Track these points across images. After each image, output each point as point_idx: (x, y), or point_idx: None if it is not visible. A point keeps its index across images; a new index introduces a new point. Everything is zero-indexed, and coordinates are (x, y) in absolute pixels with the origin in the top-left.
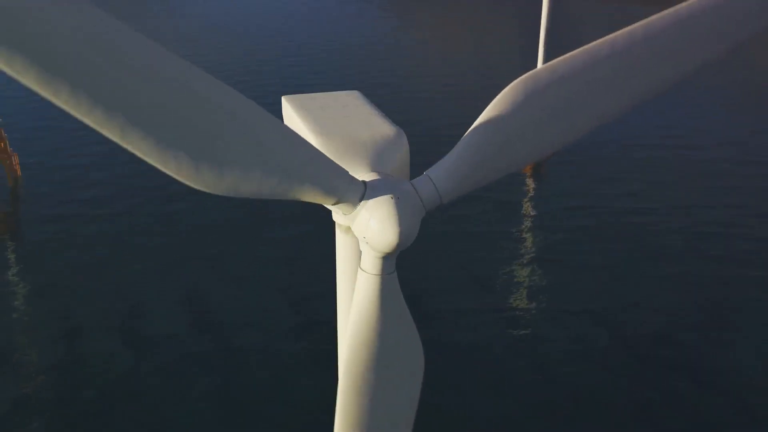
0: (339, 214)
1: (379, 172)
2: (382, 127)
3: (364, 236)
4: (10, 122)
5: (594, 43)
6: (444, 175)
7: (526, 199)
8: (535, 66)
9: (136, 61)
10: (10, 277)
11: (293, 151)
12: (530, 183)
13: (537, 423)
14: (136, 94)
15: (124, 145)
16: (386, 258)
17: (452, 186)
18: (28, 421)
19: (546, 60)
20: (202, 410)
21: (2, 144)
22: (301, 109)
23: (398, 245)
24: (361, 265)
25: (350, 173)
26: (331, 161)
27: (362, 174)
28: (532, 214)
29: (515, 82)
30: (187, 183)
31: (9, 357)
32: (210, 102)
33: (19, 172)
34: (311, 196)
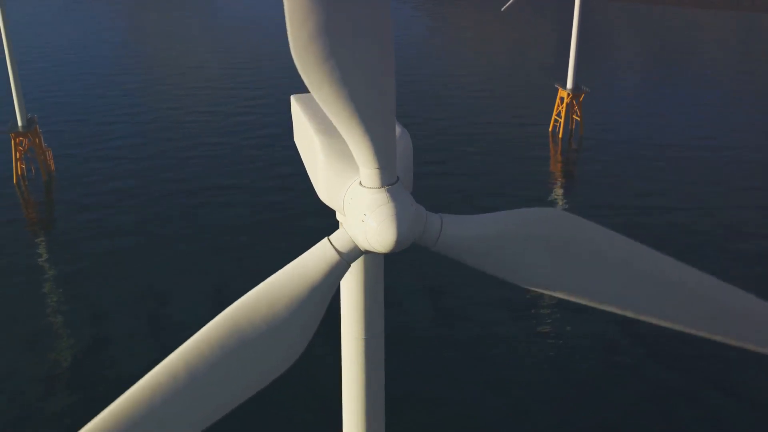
0: (342, 212)
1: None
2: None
3: (363, 217)
4: (44, 119)
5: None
6: (454, 227)
7: (555, 198)
8: (566, 70)
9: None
10: (43, 264)
11: (383, 102)
12: (560, 181)
13: (552, 418)
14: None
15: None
16: (358, 250)
17: (452, 242)
18: (55, 401)
19: (577, 61)
20: (238, 408)
21: (37, 140)
22: (308, 108)
23: (392, 248)
24: (331, 236)
25: (352, 172)
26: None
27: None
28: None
29: (567, 215)
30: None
31: (39, 339)
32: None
33: (52, 167)
34: (364, 145)
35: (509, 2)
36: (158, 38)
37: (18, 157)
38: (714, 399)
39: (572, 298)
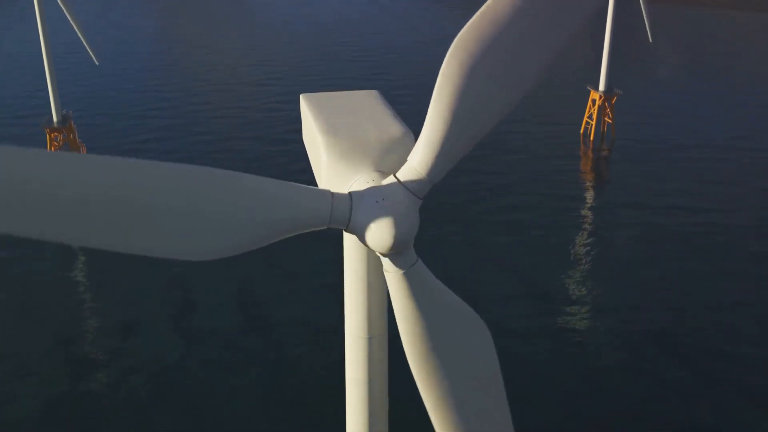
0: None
1: (381, 173)
2: (390, 128)
3: (367, 243)
4: (79, 115)
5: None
6: (423, 159)
7: (587, 206)
8: (598, 75)
9: (97, 181)
10: (75, 265)
11: (269, 196)
12: (590, 183)
13: (561, 413)
14: (112, 211)
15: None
16: (401, 254)
17: (435, 166)
18: (83, 403)
19: (610, 63)
20: (247, 401)
21: (71, 136)
22: (316, 107)
23: (398, 243)
24: (384, 268)
25: (354, 173)
26: (309, 188)
27: (366, 173)
28: (593, 221)
29: (456, 45)
30: (195, 259)
31: (68, 342)
32: (181, 188)
33: None
34: (302, 227)
35: (648, 29)
36: (192, 36)
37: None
38: (726, 398)
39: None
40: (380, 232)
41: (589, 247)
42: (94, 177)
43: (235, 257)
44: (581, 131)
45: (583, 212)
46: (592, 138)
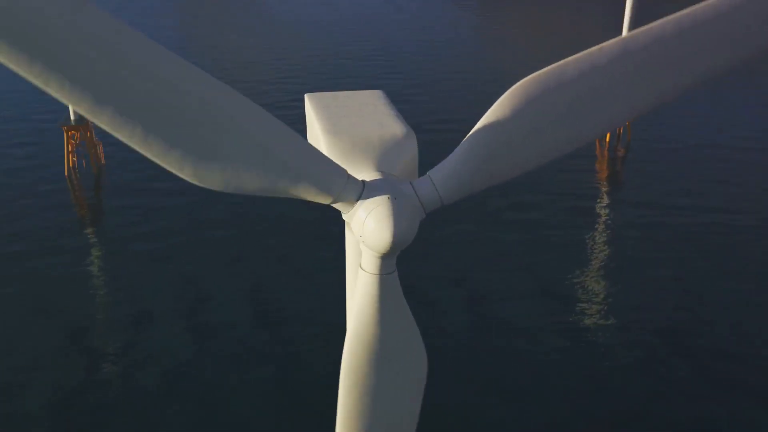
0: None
1: (383, 173)
2: (392, 128)
3: (361, 235)
4: None
5: (603, 44)
6: (445, 176)
7: (601, 205)
8: None
9: (136, 61)
10: (90, 260)
11: (290, 149)
12: (605, 184)
13: (563, 410)
14: (137, 95)
15: (128, 143)
16: (385, 258)
17: (453, 188)
18: (95, 395)
19: None
20: (258, 398)
21: (89, 134)
22: (319, 107)
23: (393, 246)
24: (361, 265)
25: (354, 173)
26: (329, 160)
27: (366, 174)
28: (606, 221)
29: (518, 84)
30: (189, 180)
31: (82, 337)
32: (209, 102)
33: (103, 161)
34: (308, 194)
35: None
36: (209, 34)
37: (70, 149)
38: (738, 399)
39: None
40: (381, 229)
41: (602, 247)
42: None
43: (248, 255)
44: None
45: (597, 212)
46: (607, 138)
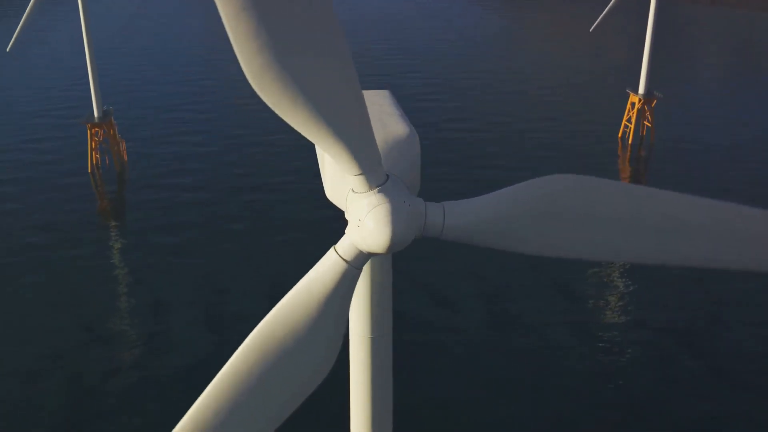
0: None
1: (388, 173)
2: (395, 128)
3: (359, 222)
4: (120, 111)
5: (648, 188)
6: (458, 214)
7: None
8: (638, 78)
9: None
10: (110, 253)
11: (350, 108)
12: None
13: (598, 427)
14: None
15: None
16: (364, 254)
17: (458, 227)
18: (115, 386)
19: (651, 65)
20: None
21: (112, 131)
22: None
23: (388, 248)
24: (336, 245)
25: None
26: (375, 142)
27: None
28: None
29: (557, 177)
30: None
31: (102, 327)
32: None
33: (125, 158)
34: (342, 153)
35: (597, 21)
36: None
37: (93, 147)
38: (756, 403)
39: (591, 258)
40: (380, 228)
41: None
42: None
43: (264, 249)
44: (619, 135)
45: None
46: (630, 142)
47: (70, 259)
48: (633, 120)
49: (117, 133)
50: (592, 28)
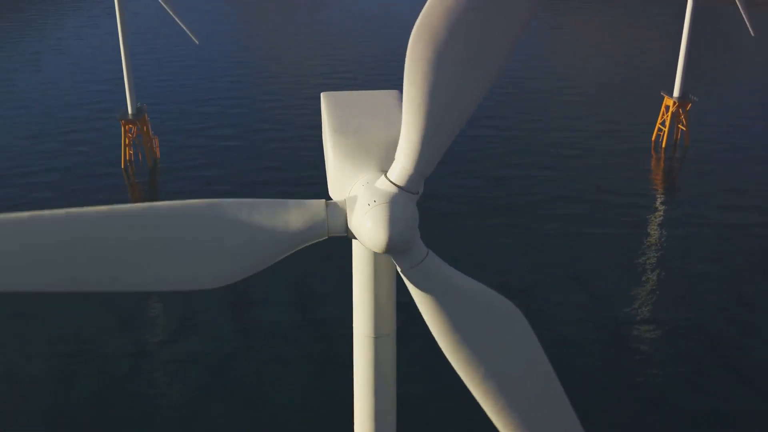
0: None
1: (385, 173)
2: (399, 128)
3: (370, 247)
4: (153, 108)
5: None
6: (406, 154)
7: (654, 213)
8: (673, 80)
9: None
10: None
11: (264, 219)
12: (660, 193)
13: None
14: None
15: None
16: (405, 252)
17: (421, 158)
18: (141, 388)
19: (686, 68)
20: (298, 394)
21: (145, 128)
22: (332, 106)
23: (393, 242)
24: (398, 269)
25: (357, 172)
26: (299, 205)
27: (369, 173)
28: (659, 228)
29: (413, 42)
30: (209, 288)
31: (128, 328)
32: (163, 227)
33: (158, 154)
34: (304, 241)
35: (747, 23)
36: (266, 32)
37: (126, 143)
38: None
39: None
40: (375, 234)
41: (654, 258)
42: (91, 231)
43: (295, 255)
44: (653, 138)
45: (651, 222)
46: (663, 146)
47: None
48: (667, 123)
49: (150, 129)
50: (751, 31)
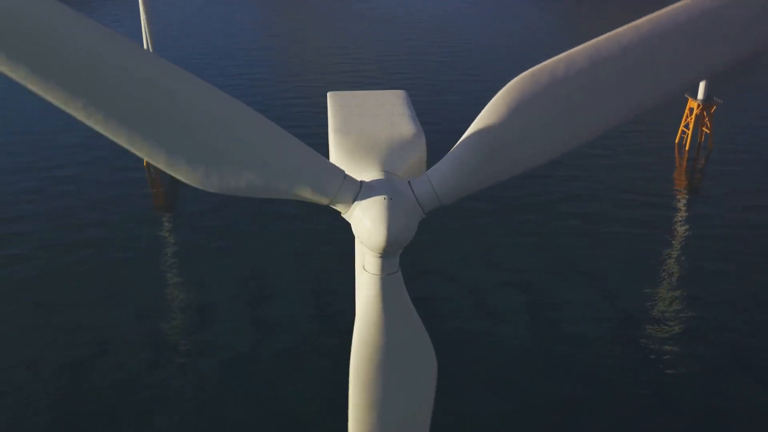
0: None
1: (386, 172)
2: (402, 128)
3: (358, 236)
4: None
5: (597, 39)
6: (442, 176)
7: (676, 215)
8: (697, 83)
9: (133, 70)
10: (161, 249)
11: (285, 151)
12: (683, 195)
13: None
14: (136, 102)
15: (128, 147)
16: (386, 257)
17: (451, 187)
18: (159, 380)
19: None
20: (313, 390)
21: None
22: (337, 105)
23: (388, 246)
24: (364, 265)
25: (358, 172)
26: (326, 162)
27: (370, 173)
28: (681, 230)
29: (513, 82)
30: (186, 181)
31: (148, 322)
32: (210, 111)
33: None
34: (305, 195)
35: None
36: (290, 33)
37: None
38: None
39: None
40: (375, 228)
41: (673, 258)
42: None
43: (312, 251)
44: (676, 140)
45: (671, 222)
46: (687, 148)
47: (120, 254)
48: (691, 126)
49: None
50: None
